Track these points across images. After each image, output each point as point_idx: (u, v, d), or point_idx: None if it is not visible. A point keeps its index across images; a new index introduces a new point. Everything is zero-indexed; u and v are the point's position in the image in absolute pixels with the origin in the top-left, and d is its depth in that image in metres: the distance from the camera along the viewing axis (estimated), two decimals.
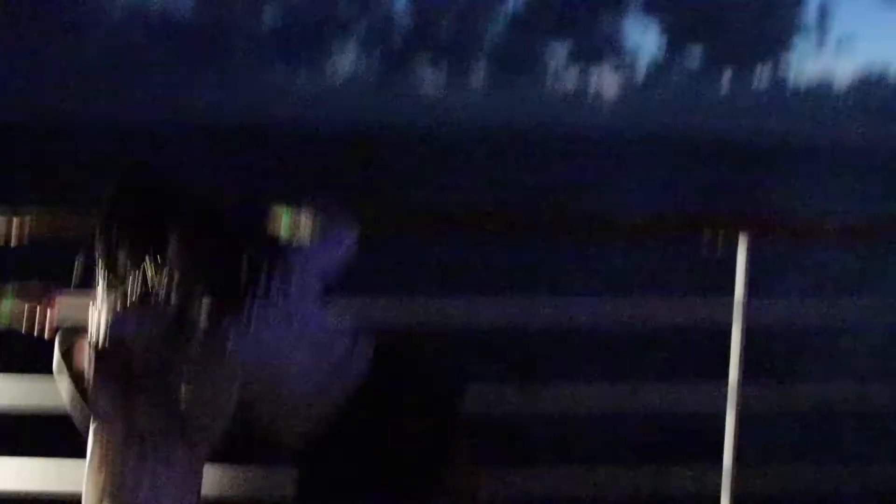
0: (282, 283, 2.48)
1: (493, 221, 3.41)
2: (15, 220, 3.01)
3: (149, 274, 2.40)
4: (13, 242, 2.98)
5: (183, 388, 2.36)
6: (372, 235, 2.98)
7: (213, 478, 2.89)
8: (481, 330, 3.30)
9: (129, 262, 2.43)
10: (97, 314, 2.44)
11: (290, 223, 2.87)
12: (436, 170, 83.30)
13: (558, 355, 14.95)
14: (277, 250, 2.56)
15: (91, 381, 2.40)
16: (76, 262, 2.55)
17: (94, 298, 2.49)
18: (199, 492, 2.55)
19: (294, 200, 2.99)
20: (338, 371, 2.53)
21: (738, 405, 3.25)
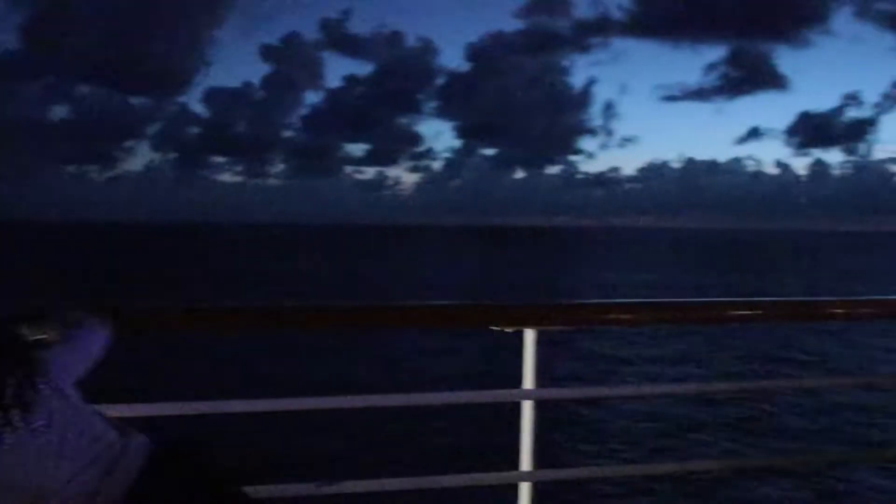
0: (34, 389, 2.33)
1: (271, 317, 3.31)
2: None
3: None
4: None
5: None
6: (132, 334, 2.88)
7: None
8: (266, 428, 3.23)
9: None
10: None
11: (39, 325, 2.71)
12: (229, 262, 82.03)
13: (350, 450, 14.89)
14: (24, 355, 2.40)
15: None
16: None
17: None
18: None
19: (44, 300, 2.85)
20: (107, 475, 2.40)
21: (532, 491, 3.28)
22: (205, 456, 2.55)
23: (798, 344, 28.64)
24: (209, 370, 20.99)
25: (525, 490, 3.26)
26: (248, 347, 24.36)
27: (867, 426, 17.27)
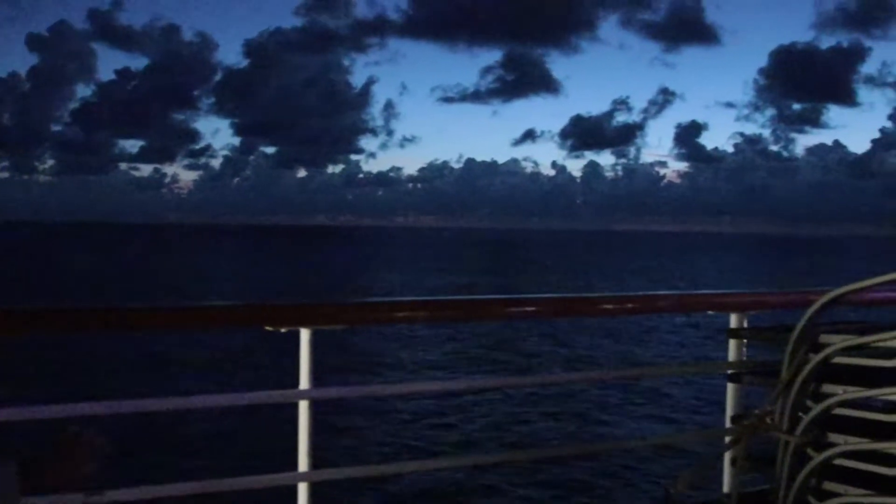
0: None
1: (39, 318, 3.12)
2: None
3: None
4: None
5: None
6: None
7: None
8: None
9: None
10: None
11: None
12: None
13: (120, 457, 14.31)
14: None
15: None
16: None
17: None
18: None
19: None
20: None
21: (309, 491, 3.25)
22: None
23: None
24: None
25: (303, 490, 3.23)
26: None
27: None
